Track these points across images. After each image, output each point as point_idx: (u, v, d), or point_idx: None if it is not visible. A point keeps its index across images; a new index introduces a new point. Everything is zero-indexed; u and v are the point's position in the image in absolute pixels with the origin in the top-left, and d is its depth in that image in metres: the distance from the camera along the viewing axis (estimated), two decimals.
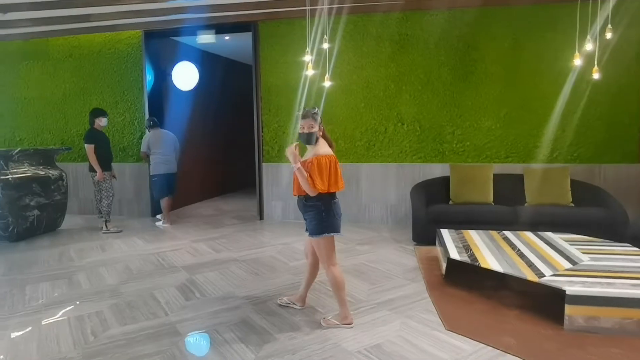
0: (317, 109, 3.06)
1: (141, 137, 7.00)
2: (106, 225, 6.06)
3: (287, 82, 6.45)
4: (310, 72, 5.10)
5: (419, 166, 6.18)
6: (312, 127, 2.99)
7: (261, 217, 6.75)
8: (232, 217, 6.99)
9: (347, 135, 6.34)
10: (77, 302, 3.57)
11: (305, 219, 3.11)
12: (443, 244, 4.25)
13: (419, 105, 6.13)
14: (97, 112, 6.01)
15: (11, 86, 7.51)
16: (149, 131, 6.43)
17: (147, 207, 7.11)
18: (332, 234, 3.01)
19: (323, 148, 3.00)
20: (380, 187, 6.33)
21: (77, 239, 5.71)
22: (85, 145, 5.82)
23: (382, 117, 6.24)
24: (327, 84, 5.22)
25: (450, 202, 5.54)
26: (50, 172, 6.00)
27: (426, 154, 6.17)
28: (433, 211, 5.20)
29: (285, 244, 5.24)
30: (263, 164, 6.67)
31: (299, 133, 3.04)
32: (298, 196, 3.07)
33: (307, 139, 3.01)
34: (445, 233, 4.58)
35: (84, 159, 7.18)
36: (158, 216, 6.73)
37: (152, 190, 6.62)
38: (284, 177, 6.59)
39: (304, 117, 3.02)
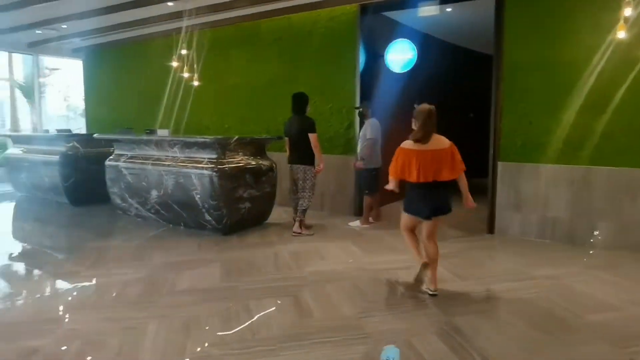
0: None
1: (349, 126, 6.26)
2: (301, 226, 5.29)
3: (542, 59, 4.91)
4: (622, 34, 3.55)
5: None
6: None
7: (491, 231, 5.39)
8: (451, 227, 5.77)
9: (633, 128, 4.54)
10: (317, 342, 2.75)
11: None
12: None
13: None
14: (308, 97, 5.35)
15: (221, 73, 7.48)
16: (367, 118, 5.59)
17: (351, 204, 6.37)
18: (406, 213, 3.51)
19: (407, 141, 3.41)
20: None
21: (288, 237, 5.16)
22: (311, 134, 5.11)
23: None
24: None
25: None
26: (262, 162, 5.57)
27: None
28: None
29: (554, 279, 3.81)
30: (499, 162, 5.27)
31: None
32: None
33: None
34: None
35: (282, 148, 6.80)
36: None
37: (363, 186, 5.80)
38: (529, 180, 5.10)
39: None
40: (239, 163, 5.25)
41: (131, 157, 5.91)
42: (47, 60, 14.04)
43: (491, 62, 5.32)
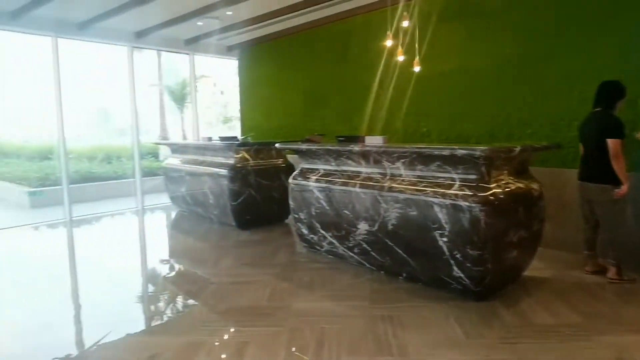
0: None
1: None
2: (619, 272, 3.68)
3: None
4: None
5: None
6: None
7: None
8: None
9: None
10: None
11: None
12: None
13: None
14: (624, 89, 3.62)
15: (424, 57, 5.61)
16: None
17: None
18: None
19: None
20: None
21: (596, 307, 3.13)
22: (611, 140, 3.51)
23: None
24: None
25: None
26: (531, 185, 3.59)
27: None
28: None
29: None
30: None
31: None
32: None
33: None
34: None
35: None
36: None
37: None
38: None
39: None
40: (508, 188, 3.36)
41: (326, 175, 4.37)
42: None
43: None
